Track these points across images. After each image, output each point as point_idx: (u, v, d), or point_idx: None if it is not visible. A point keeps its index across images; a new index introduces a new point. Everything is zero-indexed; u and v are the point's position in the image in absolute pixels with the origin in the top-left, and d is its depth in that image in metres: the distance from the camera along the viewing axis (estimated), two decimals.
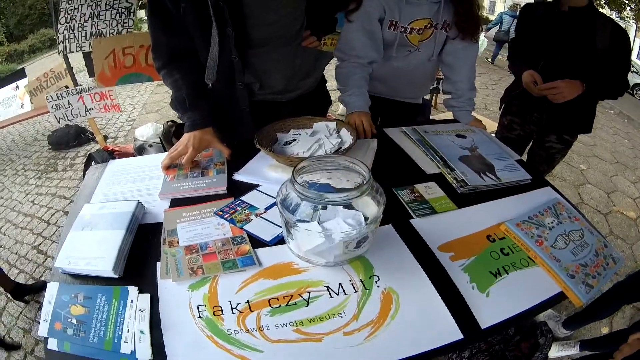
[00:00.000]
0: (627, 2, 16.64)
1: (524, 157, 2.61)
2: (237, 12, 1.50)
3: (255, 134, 1.53)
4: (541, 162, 2.63)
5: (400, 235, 1.21)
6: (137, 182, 1.43)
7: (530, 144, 2.69)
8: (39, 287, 2.86)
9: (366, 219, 1.03)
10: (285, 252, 1.12)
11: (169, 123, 3.72)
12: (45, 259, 3.14)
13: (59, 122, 3.89)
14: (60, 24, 3.83)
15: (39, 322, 1.00)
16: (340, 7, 1.93)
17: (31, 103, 4.68)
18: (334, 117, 1.79)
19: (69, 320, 0.98)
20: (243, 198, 1.30)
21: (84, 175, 3.54)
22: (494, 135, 2.65)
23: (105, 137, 4.85)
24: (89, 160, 3.62)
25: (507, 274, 1.13)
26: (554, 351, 2.49)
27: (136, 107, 6.37)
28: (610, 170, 5.28)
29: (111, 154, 3.60)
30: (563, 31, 2.22)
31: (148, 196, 1.33)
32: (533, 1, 2.66)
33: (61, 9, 3.81)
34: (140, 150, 3.61)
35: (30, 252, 3.27)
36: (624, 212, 4.36)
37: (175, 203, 1.30)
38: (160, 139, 3.46)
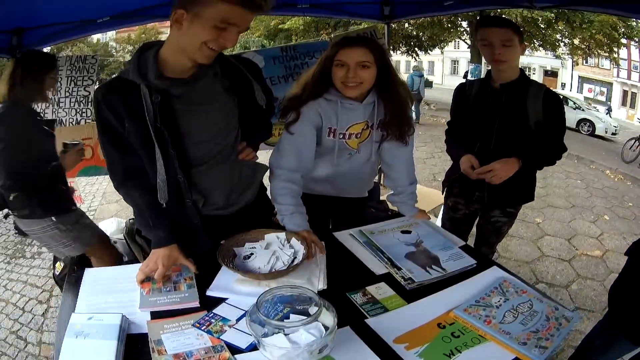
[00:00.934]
0: (560, 38, 17.20)
1: (474, 230, 2.81)
2: (175, 132, 1.59)
3: (217, 251, 1.60)
4: (489, 235, 2.70)
5: (358, 335, 1.31)
6: (116, 294, 1.53)
7: (477, 218, 2.75)
8: None
9: (326, 327, 1.19)
10: (261, 356, 1.22)
11: (131, 221, 3.80)
12: (26, 345, 3.12)
13: None
14: None
15: None
16: (273, 114, 2.04)
17: None
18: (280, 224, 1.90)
19: None
20: (215, 311, 1.42)
21: (53, 267, 3.53)
22: (442, 210, 2.83)
23: None
24: None
25: (460, 352, 1.23)
26: None
27: (96, 197, 6.42)
28: (567, 216, 5.42)
29: None
30: (495, 109, 2.28)
31: (129, 307, 1.45)
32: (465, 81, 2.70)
33: None
34: None
35: (9, 337, 3.24)
36: (588, 253, 4.49)
37: (155, 314, 1.42)
38: (125, 237, 3.52)
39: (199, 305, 1.46)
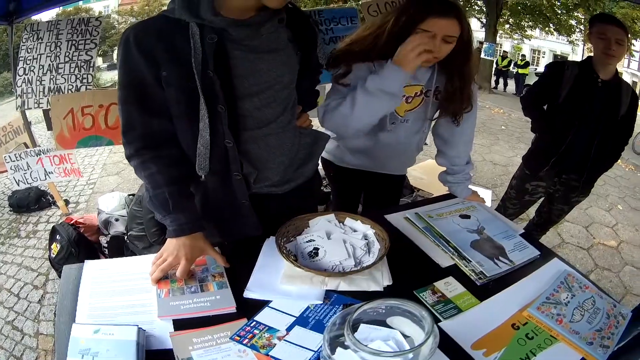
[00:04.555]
0: (575, 25, 17.18)
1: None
2: (228, 84, 1.30)
3: (279, 249, 1.35)
4: (561, 214, 3.03)
5: None
6: (125, 296, 1.26)
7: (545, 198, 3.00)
8: None
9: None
10: None
11: (130, 197, 3.61)
12: (23, 337, 2.93)
13: (18, 184, 3.76)
14: (18, 75, 3.68)
15: None
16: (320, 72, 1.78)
17: None
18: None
19: None
20: (257, 318, 1.17)
21: (49, 249, 3.38)
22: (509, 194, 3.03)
23: (67, 202, 4.70)
24: (53, 233, 3.42)
25: (535, 356, 1.16)
26: None
27: (95, 169, 6.17)
28: (584, 203, 5.25)
29: (76, 229, 3.40)
30: (602, 102, 2.44)
31: (143, 314, 1.19)
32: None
33: (20, 58, 3.67)
34: (106, 224, 3.45)
35: (5, 328, 3.04)
36: (604, 242, 4.48)
37: (179, 324, 1.17)
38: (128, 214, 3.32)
39: (235, 311, 1.21)
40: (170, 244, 1.33)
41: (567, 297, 1.34)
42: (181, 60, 1.22)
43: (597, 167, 2.63)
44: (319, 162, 1.82)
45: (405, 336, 0.97)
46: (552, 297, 1.34)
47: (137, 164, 1.34)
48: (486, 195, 4.38)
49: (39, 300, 3.29)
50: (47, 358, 2.73)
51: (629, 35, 2.31)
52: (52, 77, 3.68)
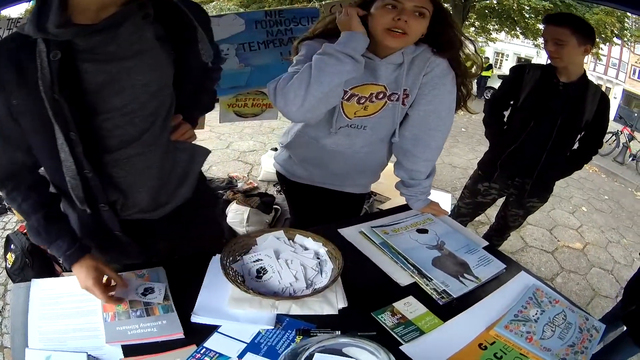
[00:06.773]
0: (542, 28, 17.47)
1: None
2: (81, 106, 1.10)
3: (225, 273, 1.23)
4: (515, 220, 2.95)
5: None
6: (73, 318, 1.18)
7: (503, 202, 2.99)
8: None
9: None
10: None
11: None
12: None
13: None
14: None
15: None
16: (219, 78, 1.58)
17: None
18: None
19: None
20: (207, 345, 1.09)
21: (4, 259, 3.27)
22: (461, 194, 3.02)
23: None
24: (8, 243, 3.31)
25: None
26: None
27: None
28: (547, 205, 5.27)
29: (29, 239, 3.23)
30: (559, 106, 2.37)
31: (92, 339, 1.12)
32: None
33: None
34: None
35: None
36: (569, 245, 4.52)
37: (129, 349, 1.09)
38: None
39: (183, 336, 1.12)
40: (78, 273, 1.21)
41: (536, 313, 1.32)
42: (29, 84, 1.04)
43: (549, 171, 2.57)
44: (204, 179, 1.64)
45: None
46: (520, 314, 1.31)
47: (4, 195, 1.23)
48: (445, 198, 4.41)
49: (0, 311, 3.18)
50: None
51: (575, 34, 2.17)
52: None
